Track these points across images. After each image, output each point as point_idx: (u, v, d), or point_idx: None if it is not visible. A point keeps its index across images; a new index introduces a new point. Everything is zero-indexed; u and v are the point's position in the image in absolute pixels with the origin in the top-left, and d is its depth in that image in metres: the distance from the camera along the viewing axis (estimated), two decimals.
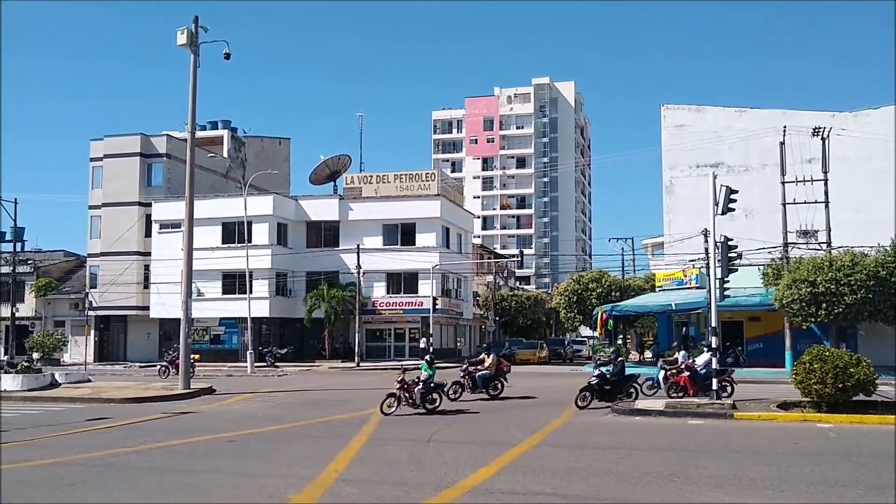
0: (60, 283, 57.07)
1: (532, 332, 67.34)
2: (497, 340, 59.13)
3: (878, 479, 10.79)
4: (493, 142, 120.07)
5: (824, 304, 31.45)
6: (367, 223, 50.66)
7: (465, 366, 22.27)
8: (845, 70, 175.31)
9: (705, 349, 20.76)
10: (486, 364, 22.15)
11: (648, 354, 52.01)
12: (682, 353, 22.37)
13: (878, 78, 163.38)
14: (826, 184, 34.94)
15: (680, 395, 20.26)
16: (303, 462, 12.73)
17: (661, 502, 9.62)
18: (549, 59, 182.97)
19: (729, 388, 20.64)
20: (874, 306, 31.33)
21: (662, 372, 21.34)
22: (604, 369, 19.59)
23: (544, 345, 55.58)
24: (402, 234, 50.85)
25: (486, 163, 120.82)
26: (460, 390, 21.33)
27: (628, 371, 21.17)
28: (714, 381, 19.43)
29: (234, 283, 48.61)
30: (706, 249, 33.43)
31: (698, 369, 20.43)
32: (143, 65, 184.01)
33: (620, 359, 19.77)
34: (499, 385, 22.11)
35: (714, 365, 19.85)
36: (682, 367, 20.90)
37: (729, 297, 22.27)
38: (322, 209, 52.27)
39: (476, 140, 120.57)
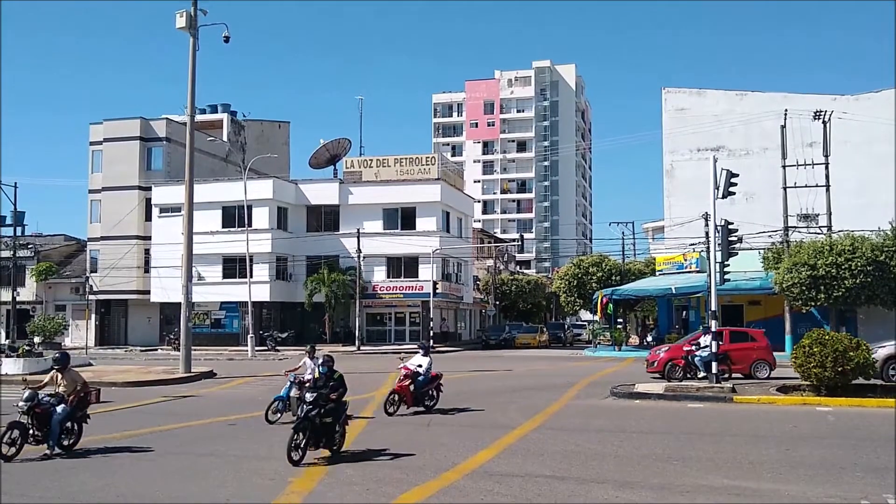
0: (61, 268, 57.07)
1: (532, 317, 67.48)
2: (498, 324, 59.27)
3: (877, 462, 10.84)
4: (493, 125, 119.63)
5: (824, 288, 31.45)
6: (367, 207, 50.56)
7: (27, 393, 12.09)
8: (847, 53, 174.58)
9: (421, 352, 17.04)
10: (62, 388, 12.47)
11: (649, 338, 52.10)
12: (308, 361, 16.06)
13: (880, 61, 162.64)
14: (827, 167, 34.87)
15: (395, 408, 16.06)
16: None
17: (661, 484, 9.66)
18: (550, 41, 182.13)
19: (435, 395, 16.92)
20: (873, 290, 31.33)
21: (294, 389, 15.27)
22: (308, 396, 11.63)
23: (544, 329, 55.72)
24: (402, 219, 50.76)
25: (487, 146, 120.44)
26: (20, 439, 11.69)
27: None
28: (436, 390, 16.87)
29: (235, 267, 48.58)
30: (706, 233, 33.43)
31: (419, 376, 16.49)
32: (143, 48, 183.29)
33: (337, 373, 12.18)
34: (75, 427, 12.47)
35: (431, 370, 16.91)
36: (402, 374, 16.45)
37: (729, 280, 22.29)
38: (322, 193, 52.16)
39: (476, 124, 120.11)
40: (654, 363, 24.58)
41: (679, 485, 9.64)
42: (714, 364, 19.93)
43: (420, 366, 16.56)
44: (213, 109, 64.35)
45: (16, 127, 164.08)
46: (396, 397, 16.16)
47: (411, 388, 16.22)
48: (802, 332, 21.50)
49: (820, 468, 10.52)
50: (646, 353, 38.86)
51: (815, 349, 17.21)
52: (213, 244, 47.76)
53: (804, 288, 31.81)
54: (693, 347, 22.33)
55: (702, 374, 21.28)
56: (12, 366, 27.23)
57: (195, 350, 31.39)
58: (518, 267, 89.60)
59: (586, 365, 32.57)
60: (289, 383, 14.94)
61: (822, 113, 35.35)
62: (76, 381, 12.62)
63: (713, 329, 20.42)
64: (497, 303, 62.22)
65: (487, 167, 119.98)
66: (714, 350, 20.23)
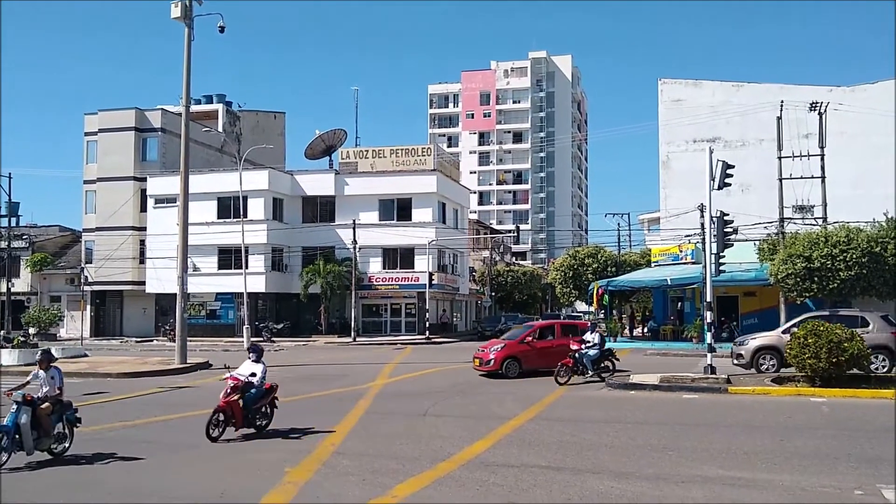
0: (56, 259, 56.95)
1: (528, 308, 67.58)
2: (493, 315, 59.32)
3: (871, 453, 10.89)
4: (489, 116, 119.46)
5: (819, 279, 31.52)
6: (362, 198, 50.50)
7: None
8: (843, 46, 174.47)
9: (252, 356, 13.57)
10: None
11: (643, 329, 52.20)
12: (42, 373, 11.46)
13: (876, 53, 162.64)
14: (822, 159, 34.85)
15: (221, 429, 12.67)
16: (299, 436, 12.80)
17: (656, 474, 9.70)
18: (546, 32, 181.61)
19: (269, 412, 13.52)
20: (868, 282, 31.42)
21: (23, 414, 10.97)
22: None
23: (540, 320, 55.66)
24: (398, 210, 50.75)
25: (483, 137, 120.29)
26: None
27: None
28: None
29: (230, 258, 48.54)
30: (702, 224, 33.43)
31: (251, 388, 13.03)
32: (138, 37, 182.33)
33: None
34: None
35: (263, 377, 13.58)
36: (228, 387, 12.89)
37: (724, 272, 22.33)
38: (318, 184, 52.10)
39: (472, 115, 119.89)
40: (490, 361, 22.23)
41: (674, 475, 9.68)
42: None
43: (253, 374, 13.10)
44: (209, 100, 64.06)
45: (11, 118, 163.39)
46: (222, 417, 12.62)
47: (240, 403, 12.76)
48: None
49: (814, 458, 10.57)
50: (641, 345, 39.13)
51: (810, 340, 17.26)
52: (208, 235, 47.63)
53: (799, 279, 31.87)
54: (582, 345, 20.84)
55: (590, 373, 20.56)
56: (8, 357, 27.25)
57: (191, 341, 31.39)
58: (514, 258, 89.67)
59: None
60: (15, 406, 10.56)
61: (818, 104, 35.31)
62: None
63: (584, 323, 20.44)
64: (493, 294, 62.29)
65: (483, 158, 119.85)
66: (599, 347, 20.68)
